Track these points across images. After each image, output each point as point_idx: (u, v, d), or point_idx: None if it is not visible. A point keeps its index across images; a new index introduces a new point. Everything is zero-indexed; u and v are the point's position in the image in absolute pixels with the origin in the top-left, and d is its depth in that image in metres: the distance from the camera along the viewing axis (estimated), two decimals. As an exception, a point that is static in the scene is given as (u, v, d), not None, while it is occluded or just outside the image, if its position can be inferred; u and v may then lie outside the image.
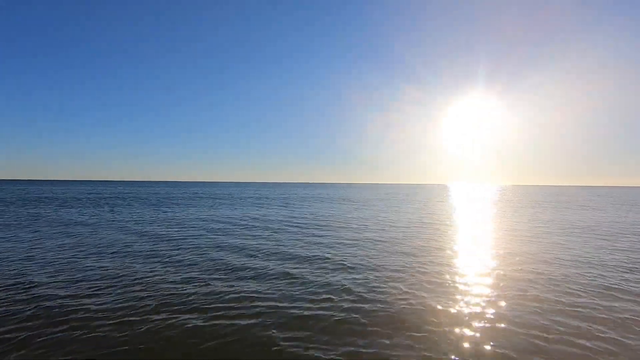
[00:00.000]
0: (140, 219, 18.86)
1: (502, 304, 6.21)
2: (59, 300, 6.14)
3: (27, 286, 6.94)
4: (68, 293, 6.56)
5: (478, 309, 5.94)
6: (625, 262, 9.40)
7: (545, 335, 4.97)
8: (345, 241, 12.32)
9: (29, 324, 5.20)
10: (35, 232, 13.82)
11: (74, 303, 6.04)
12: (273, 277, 7.77)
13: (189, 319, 5.45)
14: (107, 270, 8.23)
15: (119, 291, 6.69)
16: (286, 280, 7.49)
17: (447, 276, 7.91)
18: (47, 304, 5.98)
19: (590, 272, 8.30)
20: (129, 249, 10.56)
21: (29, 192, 50.60)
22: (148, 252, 10.14)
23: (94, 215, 20.17)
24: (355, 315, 5.64)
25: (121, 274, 7.86)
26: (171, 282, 7.36)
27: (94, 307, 5.85)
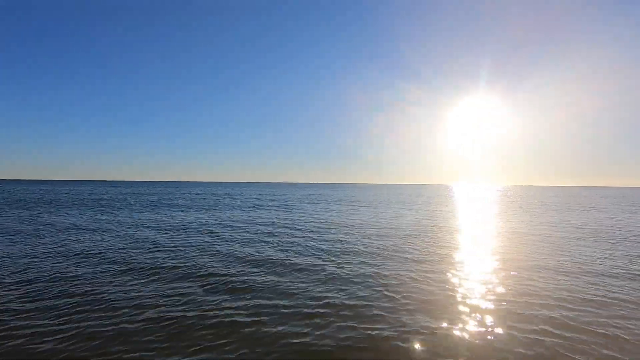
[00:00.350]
0: (136, 221, 18.87)
1: (498, 313, 6.14)
2: (23, 304, 6.12)
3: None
4: (35, 296, 6.53)
5: (474, 318, 5.87)
6: (628, 269, 9.30)
7: (540, 345, 4.89)
8: (342, 245, 12.25)
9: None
10: (26, 235, 13.81)
11: (38, 306, 6.02)
12: (263, 284, 7.72)
13: (163, 323, 5.41)
14: (83, 274, 8.19)
15: (91, 294, 6.65)
16: (277, 291, 7.41)
17: (444, 283, 7.84)
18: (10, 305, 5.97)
19: (595, 281, 8.20)
20: (112, 253, 10.53)
21: (30, 192, 50.74)
22: (130, 257, 10.07)
23: (90, 218, 20.21)
24: (350, 326, 5.57)
25: (95, 278, 7.83)
26: (145, 290, 7.30)
27: (58, 311, 5.82)
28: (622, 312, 5.89)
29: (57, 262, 8.90)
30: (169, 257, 9.65)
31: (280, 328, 5.19)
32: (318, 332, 5.06)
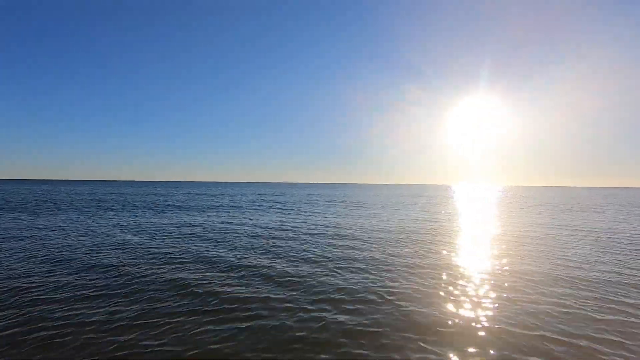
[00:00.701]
0: (129, 223, 18.78)
1: (481, 321, 6.02)
2: None
3: None
4: None
5: (456, 325, 5.76)
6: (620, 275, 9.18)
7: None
8: (333, 248, 12.12)
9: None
10: (18, 236, 13.70)
11: None
12: (246, 291, 7.59)
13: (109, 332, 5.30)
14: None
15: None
16: (258, 298, 7.28)
17: (432, 289, 7.72)
18: None
19: (586, 288, 8.09)
20: (99, 256, 10.42)
21: (31, 192, 50.64)
22: (112, 261, 9.90)
23: (87, 219, 20.10)
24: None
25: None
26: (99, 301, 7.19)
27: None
28: (606, 319, 5.79)
29: (37, 265, 8.81)
30: (154, 261, 9.53)
31: (260, 344, 5.08)
32: (302, 337, 4.96)
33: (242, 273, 8.34)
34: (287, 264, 9.25)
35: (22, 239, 12.39)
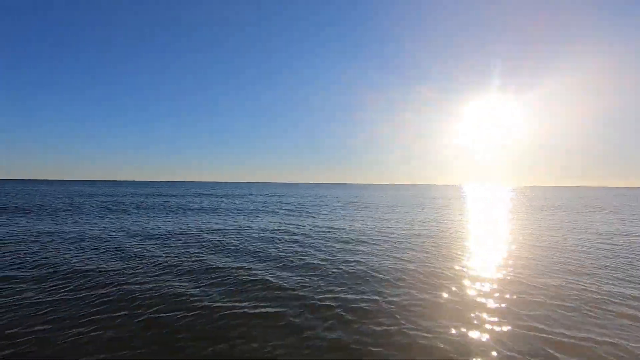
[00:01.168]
0: (129, 226, 18.53)
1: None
2: None
3: None
4: None
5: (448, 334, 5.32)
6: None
7: None
8: (345, 257, 11.75)
9: None
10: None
11: None
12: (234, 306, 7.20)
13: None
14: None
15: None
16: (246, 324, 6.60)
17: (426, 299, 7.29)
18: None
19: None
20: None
21: (38, 192, 50.64)
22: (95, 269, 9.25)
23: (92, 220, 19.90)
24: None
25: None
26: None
27: None
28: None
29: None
30: (142, 268, 8.80)
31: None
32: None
33: (248, 278, 7.99)
34: (290, 270, 8.86)
35: (23, 241, 12.11)
